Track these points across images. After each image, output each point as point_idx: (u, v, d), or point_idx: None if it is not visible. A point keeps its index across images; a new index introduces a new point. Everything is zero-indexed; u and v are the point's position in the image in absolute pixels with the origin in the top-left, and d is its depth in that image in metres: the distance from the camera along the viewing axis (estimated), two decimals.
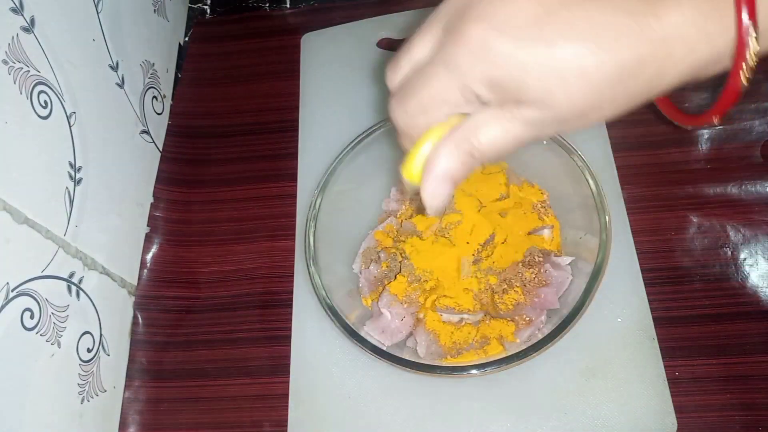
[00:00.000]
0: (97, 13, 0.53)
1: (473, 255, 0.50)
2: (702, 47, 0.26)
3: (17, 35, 0.42)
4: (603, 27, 0.26)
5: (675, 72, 0.27)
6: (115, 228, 0.54)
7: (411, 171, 0.33)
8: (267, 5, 0.74)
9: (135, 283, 0.58)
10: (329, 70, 0.66)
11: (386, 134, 0.55)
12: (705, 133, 0.57)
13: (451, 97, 0.29)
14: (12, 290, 0.40)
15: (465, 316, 0.48)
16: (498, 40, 0.27)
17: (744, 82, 0.28)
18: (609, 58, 0.26)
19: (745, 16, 0.25)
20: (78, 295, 0.48)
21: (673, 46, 0.26)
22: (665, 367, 0.47)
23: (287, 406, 0.50)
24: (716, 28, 0.26)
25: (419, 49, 0.32)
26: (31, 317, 0.42)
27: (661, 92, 0.28)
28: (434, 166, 0.32)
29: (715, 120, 0.32)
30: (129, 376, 0.55)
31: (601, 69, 0.26)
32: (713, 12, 0.25)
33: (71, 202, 0.48)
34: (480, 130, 0.30)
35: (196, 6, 0.75)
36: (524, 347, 0.44)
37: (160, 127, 0.65)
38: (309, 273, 0.50)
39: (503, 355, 0.44)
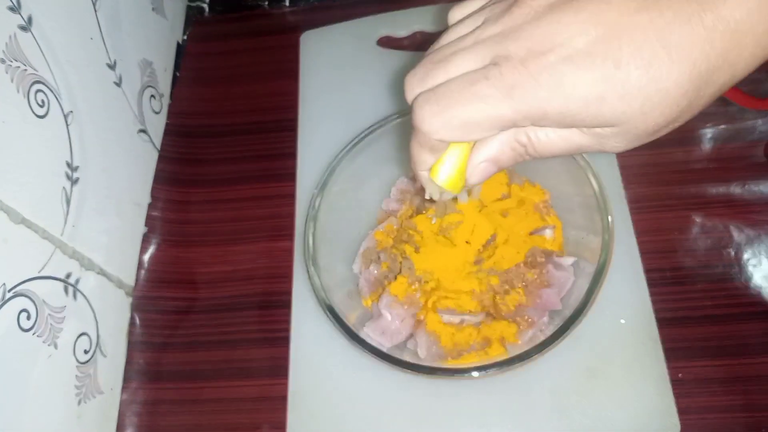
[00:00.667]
0: (95, 12, 0.53)
1: (474, 255, 0.50)
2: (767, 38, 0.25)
3: (15, 34, 0.42)
4: (672, 41, 0.25)
5: (744, 66, 0.26)
6: (112, 228, 0.54)
7: (437, 173, 0.32)
8: (266, 4, 0.74)
9: (132, 283, 0.57)
10: (329, 69, 0.66)
11: (386, 134, 0.54)
12: (708, 133, 0.57)
13: (503, 120, 0.28)
14: (8, 291, 0.40)
15: (466, 317, 0.48)
16: (569, 71, 0.26)
17: None
18: (684, 72, 0.25)
19: None
20: (75, 295, 0.48)
21: (742, 42, 0.25)
22: (668, 368, 0.46)
23: (286, 407, 0.50)
24: None
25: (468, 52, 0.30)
26: (28, 318, 0.42)
27: (732, 85, 0.27)
28: (486, 147, 0.31)
29: None
30: (126, 378, 0.54)
31: (678, 84, 0.25)
32: None
33: (68, 201, 0.47)
34: (544, 131, 0.29)
35: (194, 4, 0.75)
36: (526, 348, 0.44)
37: (158, 126, 0.65)
38: (308, 273, 0.49)
39: (505, 356, 0.44)
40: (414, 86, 0.31)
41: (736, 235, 0.52)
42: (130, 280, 0.57)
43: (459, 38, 0.31)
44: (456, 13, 0.33)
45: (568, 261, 0.49)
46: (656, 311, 0.48)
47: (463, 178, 0.33)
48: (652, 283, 0.50)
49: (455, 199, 0.44)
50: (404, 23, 0.67)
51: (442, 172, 0.32)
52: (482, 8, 0.31)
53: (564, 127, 0.28)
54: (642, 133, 0.27)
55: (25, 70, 0.43)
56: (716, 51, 0.25)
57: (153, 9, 0.65)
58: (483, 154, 0.31)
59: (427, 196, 0.36)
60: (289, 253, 0.57)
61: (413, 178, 0.56)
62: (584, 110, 0.26)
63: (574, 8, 0.26)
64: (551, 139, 0.30)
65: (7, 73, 0.41)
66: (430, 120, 0.30)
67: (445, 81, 0.29)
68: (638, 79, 0.25)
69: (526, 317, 0.47)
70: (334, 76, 0.65)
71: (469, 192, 0.40)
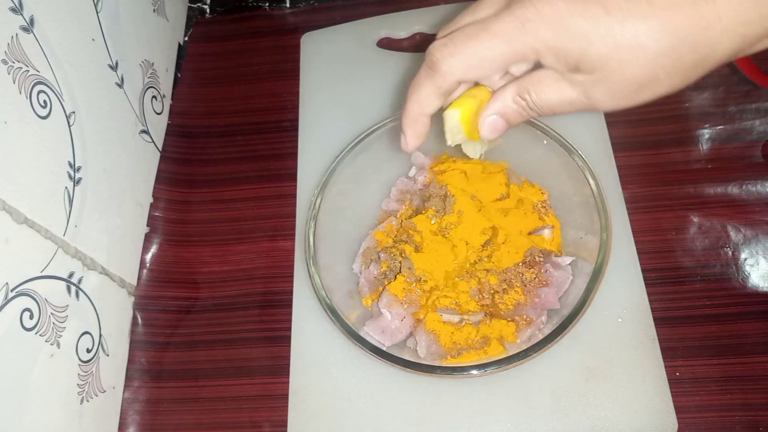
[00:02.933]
0: (97, 13, 0.53)
1: (474, 255, 0.50)
2: (753, 23, 0.27)
3: (17, 35, 0.42)
4: (659, 2, 0.27)
5: (727, 46, 0.28)
6: (114, 228, 0.54)
7: (467, 119, 0.36)
8: (267, 5, 0.74)
9: (134, 283, 0.58)
10: (329, 69, 0.66)
11: (386, 134, 0.55)
12: (706, 133, 0.57)
13: (514, 54, 0.31)
14: (11, 290, 0.40)
15: (465, 316, 0.48)
16: (567, 10, 0.28)
17: None
18: (664, 30, 0.27)
19: None
20: (77, 295, 0.48)
21: (725, 22, 0.27)
22: (666, 367, 0.47)
23: (287, 406, 0.50)
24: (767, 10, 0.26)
25: (485, 11, 0.33)
26: (31, 317, 0.42)
27: (713, 67, 0.29)
28: (495, 102, 0.34)
29: None
30: (128, 377, 0.54)
31: (657, 41, 0.27)
32: None
33: (71, 202, 0.47)
34: (539, 85, 0.32)
35: (195, 5, 0.75)
36: (525, 347, 0.44)
37: (159, 126, 0.65)
38: (309, 273, 0.50)
39: (504, 355, 0.44)
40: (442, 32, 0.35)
41: (734, 235, 0.53)
42: (132, 279, 0.57)
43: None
44: None
45: (566, 260, 0.49)
46: (654, 310, 0.49)
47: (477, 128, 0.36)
48: (649, 283, 0.50)
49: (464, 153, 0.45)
50: (404, 24, 0.68)
51: (458, 116, 0.35)
52: None
53: (560, 67, 0.31)
54: (622, 84, 0.30)
55: (27, 71, 0.43)
56: (699, 19, 0.27)
57: (154, 10, 0.66)
58: (492, 109, 0.35)
59: (449, 143, 0.38)
60: (289, 252, 0.57)
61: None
62: (575, 48, 0.29)
63: None
64: (549, 95, 0.32)
65: (9, 74, 0.41)
66: (449, 60, 0.32)
67: (463, 25, 0.32)
68: (622, 27, 0.28)
69: (525, 316, 0.48)
70: (335, 77, 0.66)
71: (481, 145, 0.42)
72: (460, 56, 0.32)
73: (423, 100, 0.35)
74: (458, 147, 0.41)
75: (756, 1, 0.26)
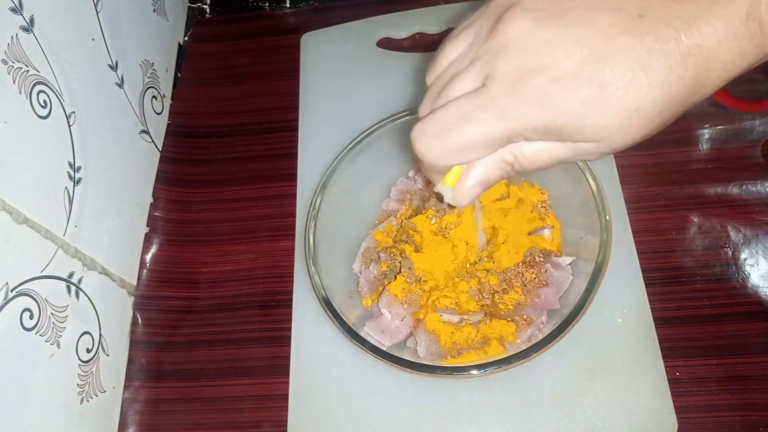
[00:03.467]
0: (97, 13, 0.53)
1: (474, 255, 0.50)
2: (736, 62, 0.27)
3: (16, 35, 0.42)
4: (651, 63, 0.27)
5: (712, 87, 0.28)
6: (114, 228, 0.54)
7: (447, 187, 0.34)
8: (267, 5, 0.74)
9: (134, 283, 0.58)
10: (329, 70, 0.66)
11: (386, 134, 0.55)
12: (706, 133, 0.57)
13: (497, 141, 0.30)
14: (11, 290, 0.40)
15: (465, 316, 0.48)
16: (556, 92, 0.27)
17: None
18: (660, 92, 0.27)
19: None
20: (77, 295, 0.48)
21: (712, 67, 0.27)
22: (666, 367, 0.47)
23: (287, 406, 0.50)
24: (747, 45, 0.27)
25: (460, 77, 0.31)
26: (31, 317, 0.42)
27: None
28: (475, 170, 0.32)
29: None
30: (128, 377, 0.54)
31: (654, 103, 0.27)
32: (743, 29, 0.27)
33: (70, 202, 0.47)
34: (529, 150, 0.31)
35: (195, 5, 0.75)
36: (525, 347, 0.44)
37: (159, 126, 0.65)
38: (309, 273, 0.50)
39: (504, 355, 0.44)
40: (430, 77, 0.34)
41: (734, 235, 0.53)
42: (132, 279, 0.57)
43: (453, 62, 0.33)
44: (447, 47, 0.34)
45: (566, 260, 0.49)
46: (654, 310, 0.49)
47: None
48: (649, 283, 0.50)
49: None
50: (404, 25, 0.68)
51: (447, 180, 0.34)
52: (468, 26, 0.33)
53: (551, 140, 0.30)
54: (619, 146, 0.29)
55: (27, 71, 0.43)
56: (689, 74, 0.27)
57: (154, 10, 0.66)
58: (472, 178, 0.33)
59: (447, 201, 0.37)
60: (289, 252, 0.57)
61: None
62: (570, 126, 0.28)
63: (561, 29, 0.28)
64: (535, 154, 0.31)
65: (9, 74, 0.41)
66: (430, 151, 0.31)
67: (440, 107, 0.31)
68: (618, 99, 0.27)
69: (525, 316, 0.48)
70: (335, 77, 0.66)
71: None
72: (441, 149, 0.31)
73: (430, 178, 0.35)
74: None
75: (739, 50, 0.27)
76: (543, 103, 0.28)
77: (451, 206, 0.37)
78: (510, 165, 0.32)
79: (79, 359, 0.48)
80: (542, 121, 0.28)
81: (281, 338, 0.53)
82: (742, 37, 0.26)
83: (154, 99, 0.64)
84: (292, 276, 0.56)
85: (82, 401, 0.48)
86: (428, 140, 0.31)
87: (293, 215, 0.59)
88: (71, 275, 0.47)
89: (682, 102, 0.28)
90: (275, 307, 0.56)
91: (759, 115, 0.56)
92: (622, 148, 0.30)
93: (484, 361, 0.45)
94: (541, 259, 0.49)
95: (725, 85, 0.29)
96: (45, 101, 0.45)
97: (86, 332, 0.49)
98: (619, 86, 0.27)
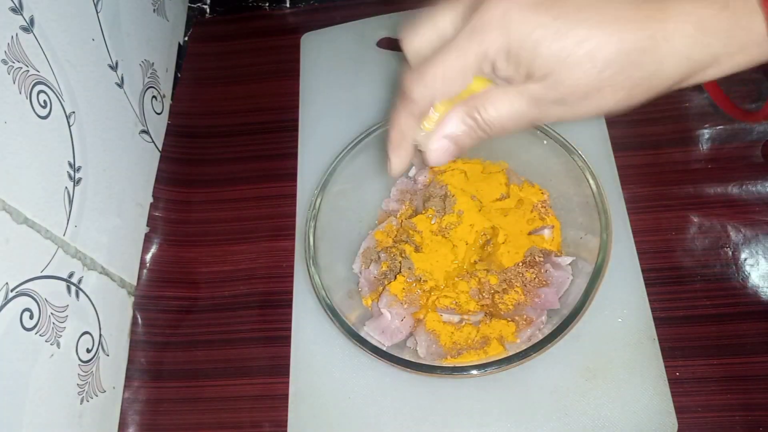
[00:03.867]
0: (97, 13, 0.53)
1: (474, 255, 0.50)
2: (698, 42, 0.28)
3: (16, 35, 0.42)
4: (609, 15, 0.28)
5: (673, 68, 0.29)
6: (114, 228, 0.54)
7: (427, 126, 0.35)
8: (267, 5, 0.74)
9: (134, 283, 0.58)
10: (329, 69, 0.66)
11: (386, 134, 0.54)
12: (705, 133, 0.57)
13: (470, 67, 0.31)
14: (11, 290, 0.40)
15: (465, 316, 0.48)
16: (517, 17, 0.29)
17: None
18: (611, 41, 0.28)
19: None
20: (77, 295, 0.48)
21: (672, 37, 0.28)
22: (666, 367, 0.47)
23: (287, 406, 0.50)
24: (713, 25, 0.28)
25: (443, 18, 0.33)
26: (31, 317, 0.42)
27: (659, 89, 0.30)
28: (443, 126, 0.34)
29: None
30: (128, 377, 0.54)
31: (603, 50, 0.28)
32: (709, 10, 0.27)
33: (71, 202, 0.47)
34: (488, 102, 0.32)
35: (195, 6, 0.75)
36: (525, 347, 0.44)
37: (159, 126, 0.65)
38: (309, 273, 0.50)
39: (504, 355, 0.44)
40: (409, 45, 0.36)
41: (734, 235, 0.53)
42: (132, 279, 0.57)
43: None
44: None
45: (566, 260, 0.49)
46: (654, 310, 0.49)
47: None
48: (649, 283, 0.50)
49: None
50: (404, 24, 0.67)
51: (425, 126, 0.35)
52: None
53: (512, 69, 0.31)
54: (570, 93, 0.30)
55: (27, 71, 0.43)
56: (647, 35, 0.28)
57: (154, 10, 0.66)
58: (439, 133, 0.34)
59: (421, 149, 0.38)
60: (289, 252, 0.57)
61: (417, 176, 0.56)
62: (526, 50, 0.29)
63: None
64: (498, 110, 0.32)
65: (9, 74, 0.41)
66: (417, 87, 0.33)
67: (432, 39, 0.33)
68: (571, 35, 0.28)
69: (525, 316, 0.48)
70: (335, 77, 0.66)
71: None
72: (424, 81, 0.33)
73: (403, 127, 0.36)
74: None
75: (702, 29, 0.28)
76: (505, 25, 0.29)
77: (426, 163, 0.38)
78: (474, 121, 0.33)
79: (79, 359, 0.48)
80: (502, 39, 0.30)
81: (281, 338, 0.53)
82: (706, 16, 0.27)
83: (154, 99, 0.64)
84: (292, 276, 0.56)
85: (82, 401, 0.48)
86: (414, 75, 0.33)
87: (293, 215, 0.59)
88: (71, 275, 0.47)
89: (637, 65, 0.28)
90: (275, 307, 0.56)
91: (756, 124, 0.56)
92: (571, 96, 0.30)
93: (484, 361, 0.45)
94: (541, 259, 0.49)
95: (726, 91, 0.29)
96: (45, 101, 0.45)
97: (86, 332, 0.49)
98: (574, 22, 0.28)
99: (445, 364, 0.46)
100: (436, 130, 0.35)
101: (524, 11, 0.29)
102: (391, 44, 0.67)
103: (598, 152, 0.55)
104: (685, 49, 0.28)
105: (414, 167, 0.58)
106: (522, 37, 0.29)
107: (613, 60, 0.28)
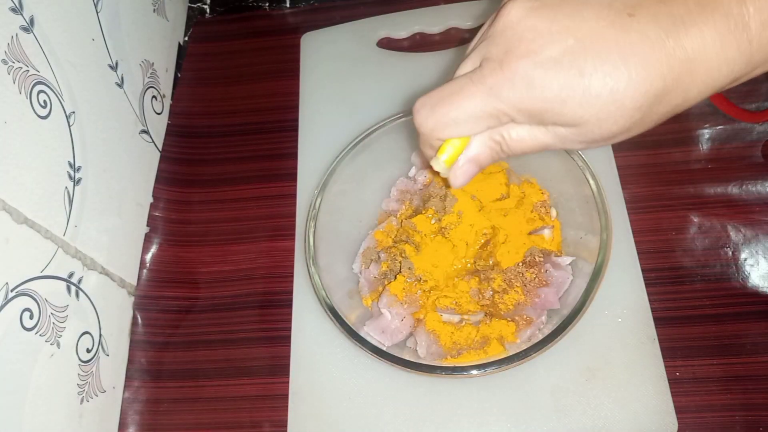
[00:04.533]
0: (97, 13, 0.53)
1: (473, 255, 0.50)
2: (722, 70, 0.28)
3: (17, 35, 0.42)
4: (633, 59, 0.27)
5: (697, 92, 0.29)
6: (114, 228, 0.54)
7: (440, 160, 0.36)
8: (267, 5, 0.74)
9: (134, 283, 0.58)
10: (329, 69, 0.66)
11: (386, 134, 0.55)
12: (706, 133, 0.57)
13: (485, 116, 0.32)
14: (11, 290, 0.40)
15: (465, 316, 0.48)
16: (539, 75, 0.29)
17: None
18: (640, 88, 0.28)
19: None
20: (77, 295, 0.48)
21: (696, 70, 0.28)
22: (666, 367, 0.47)
23: (287, 406, 0.50)
24: (734, 54, 0.27)
25: (468, 67, 0.34)
26: (31, 317, 0.42)
27: (683, 110, 0.30)
28: (467, 149, 0.35)
29: None
30: (128, 377, 0.54)
31: (633, 99, 0.28)
32: (731, 37, 0.27)
33: (71, 201, 0.47)
34: (515, 131, 0.33)
35: (195, 5, 0.75)
36: (525, 347, 0.44)
37: (159, 126, 0.65)
38: (309, 273, 0.50)
39: (504, 355, 0.44)
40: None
41: (734, 235, 0.53)
42: (132, 279, 0.57)
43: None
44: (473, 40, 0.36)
45: (566, 260, 0.49)
46: (654, 310, 0.49)
47: None
48: (649, 283, 0.50)
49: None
50: (404, 24, 0.68)
51: (442, 159, 0.35)
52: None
53: (535, 123, 0.31)
54: (597, 137, 0.30)
55: (27, 71, 0.43)
56: (672, 74, 0.27)
57: (154, 10, 0.66)
58: (464, 156, 0.35)
59: (441, 175, 0.38)
60: (289, 252, 0.57)
61: (418, 174, 0.56)
62: (549, 111, 0.30)
63: (551, 18, 0.29)
64: (522, 137, 0.33)
65: (9, 74, 0.41)
66: (425, 121, 0.34)
67: (440, 87, 0.33)
68: (597, 89, 0.28)
69: (525, 316, 0.48)
70: (335, 77, 0.66)
71: None
72: (434, 120, 0.33)
73: (424, 155, 0.37)
74: None
75: (726, 59, 0.27)
76: (526, 85, 0.29)
77: (446, 183, 0.39)
78: (498, 145, 0.34)
79: (79, 359, 0.48)
80: (524, 102, 0.30)
81: (281, 338, 0.53)
82: (729, 45, 0.27)
83: (154, 99, 0.64)
84: (292, 276, 0.56)
85: (82, 401, 0.48)
86: (424, 111, 0.34)
87: (293, 215, 0.59)
88: (71, 275, 0.47)
89: (664, 102, 0.28)
90: (275, 307, 0.56)
91: (759, 124, 0.56)
92: (601, 140, 0.31)
93: (484, 361, 0.45)
94: (541, 259, 0.49)
95: (726, 93, 0.29)
96: (45, 101, 0.45)
97: (86, 332, 0.49)
98: (599, 77, 0.28)
99: (445, 364, 0.46)
100: (461, 155, 0.35)
101: (547, 70, 0.29)
102: (392, 44, 0.68)
103: (598, 152, 0.55)
104: (709, 80, 0.28)
105: (414, 167, 0.58)
106: (546, 96, 0.29)
107: (641, 105, 0.28)
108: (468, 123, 0.32)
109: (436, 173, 0.37)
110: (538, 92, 0.29)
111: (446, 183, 0.51)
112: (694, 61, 0.27)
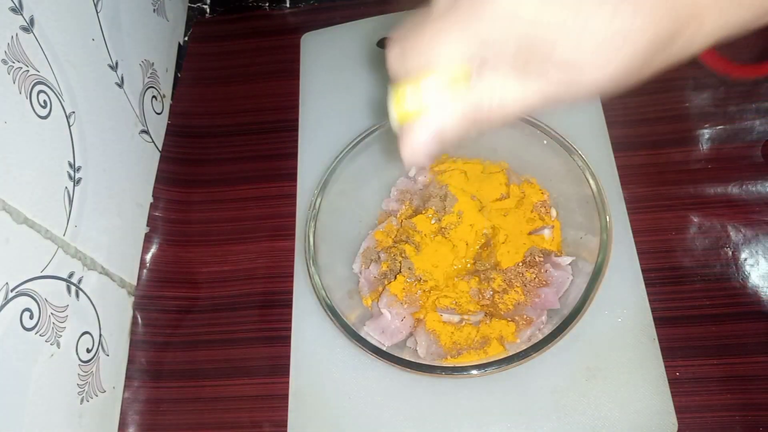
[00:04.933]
0: (97, 13, 0.53)
1: (473, 255, 0.50)
2: (733, 13, 0.26)
3: (17, 35, 0.42)
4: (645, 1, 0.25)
5: (702, 40, 0.26)
6: (114, 228, 0.54)
7: (401, 106, 0.29)
8: (267, 5, 0.74)
9: (134, 283, 0.58)
10: (329, 69, 0.66)
11: (386, 134, 0.55)
12: (706, 133, 0.57)
13: (466, 47, 0.27)
14: (11, 290, 0.40)
15: (465, 316, 0.48)
16: (530, 3, 0.25)
17: None
18: (644, 30, 0.25)
19: None
20: (77, 295, 0.48)
21: (706, 12, 0.25)
22: (666, 367, 0.47)
23: (287, 406, 0.50)
24: (748, 13, 0.25)
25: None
26: (31, 317, 0.42)
27: (691, 56, 0.27)
28: (431, 114, 0.29)
29: None
30: (128, 377, 0.54)
31: (635, 41, 0.25)
32: None
33: (71, 202, 0.47)
34: (495, 83, 0.28)
35: (195, 5, 0.75)
36: (525, 347, 0.44)
37: (159, 126, 0.65)
38: (309, 273, 0.50)
39: (503, 355, 0.44)
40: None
41: (734, 235, 0.53)
42: (132, 279, 0.57)
43: None
44: None
45: (566, 260, 0.49)
46: (654, 310, 0.49)
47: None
48: (649, 283, 0.50)
49: None
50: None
51: (399, 101, 0.30)
52: None
53: (519, 68, 0.27)
54: (587, 83, 0.27)
55: (27, 71, 0.43)
56: (680, 17, 0.25)
57: (154, 10, 0.66)
58: (427, 124, 0.29)
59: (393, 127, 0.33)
60: (289, 252, 0.57)
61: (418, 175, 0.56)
62: (540, 43, 0.26)
63: None
64: (503, 97, 0.28)
65: (9, 73, 0.41)
66: (398, 66, 0.30)
67: (413, 22, 0.29)
68: (597, 24, 0.25)
69: (525, 316, 0.48)
70: (335, 77, 0.66)
71: None
72: (407, 62, 0.29)
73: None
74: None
75: (738, 4, 0.25)
76: (511, 14, 0.26)
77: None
78: (474, 107, 0.29)
79: (79, 359, 0.48)
80: (510, 33, 0.26)
81: (281, 338, 0.53)
82: None
83: (154, 99, 0.64)
84: (292, 276, 0.56)
85: (82, 401, 0.48)
86: (394, 53, 0.30)
87: (293, 215, 0.59)
88: (71, 275, 0.47)
89: (666, 50, 0.26)
90: (275, 307, 0.56)
91: (762, 114, 0.56)
92: (590, 87, 0.27)
93: (484, 361, 0.45)
94: (541, 259, 0.49)
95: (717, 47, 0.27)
96: (45, 101, 0.45)
97: (86, 332, 0.49)
98: (597, 10, 0.25)
99: (445, 364, 0.46)
100: (420, 123, 0.29)
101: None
102: None
103: (598, 152, 0.55)
104: (717, 30, 0.26)
105: (414, 167, 0.58)
106: (538, 25, 0.25)
107: (644, 49, 0.25)
108: (449, 52, 0.28)
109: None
110: (526, 22, 0.25)
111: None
112: (703, 5, 0.25)
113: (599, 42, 0.25)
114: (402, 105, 0.29)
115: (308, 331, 0.52)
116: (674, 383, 0.47)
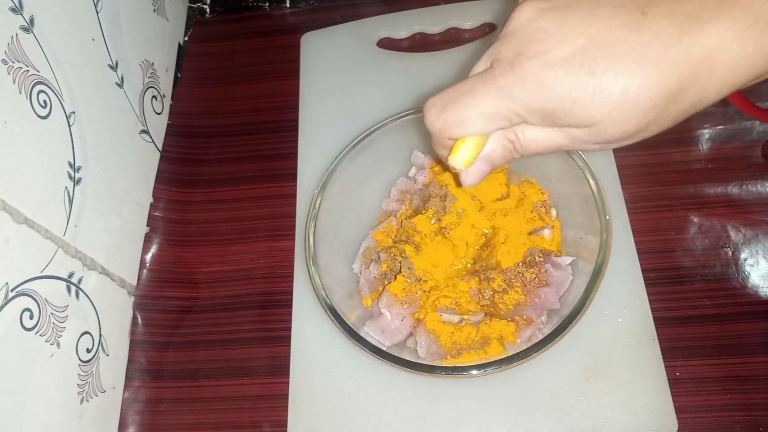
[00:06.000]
0: (97, 13, 0.53)
1: (473, 255, 0.50)
2: (741, 67, 0.27)
3: (16, 35, 0.42)
4: (646, 57, 0.27)
5: (715, 90, 0.28)
6: (114, 228, 0.54)
7: (455, 158, 0.35)
8: (267, 5, 0.74)
9: (134, 283, 0.58)
10: (329, 69, 0.66)
11: (386, 134, 0.55)
12: (706, 133, 0.57)
13: (496, 117, 0.31)
14: (11, 290, 0.40)
15: (465, 316, 0.48)
16: (549, 76, 0.28)
17: None
18: (654, 86, 0.27)
19: None
20: (77, 295, 0.48)
21: (714, 68, 0.27)
22: (666, 367, 0.47)
23: (287, 406, 0.50)
24: (755, 50, 0.26)
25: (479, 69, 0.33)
26: (31, 317, 0.42)
27: (702, 108, 0.29)
28: (480, 159, 0.34)
29: None
30: (128, 377, 0.54)
31: (647, 97, 0.27)
32: (750, 34, 0.26)
33: (70, 201, 0.47)
34: (528, 131, 0.32)
35: (195, 5, 0.75)
36: (525, 347, 0.44)
37: (159, 126, 0.65)
38: (309, 273, 0.50)
39: (503, 355, 0.44)
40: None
41: (734, 235, 0.53)
42: (132, 279, 0.57)
43: None
44: None
45: (566, 260, 0.49)
46: (654, 310, 0.49)
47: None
48: (649, 283, 0.50)
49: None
50: (404, 24, 0.68)
51: (459, 159, 0.34)
52: None
53: (547, 124, 0.31)
54: (611, 137, 0.30)
55: (27, 71, 0.43)
56: (688, 72, 0.27)
57: (154, 10, 0.66)
58: (480, 155, 0.34)
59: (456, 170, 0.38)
60: (289, 252, 0.57)
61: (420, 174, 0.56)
62: (560, 111, 0.29)
63: (562, 19, 0.29)
64: (535, 138, 0.33)
65: (9, 74, 0.41)
66: (434, 121, 0.33)
67: (451, 86, 0.33)
68: (609, 88, 0.27)
69: (525, 316, 0.48)
70: (335, 77, 0.66)
71: None
72: (444, 119, 0.33)
73: (438, 154, 0.37)
74: None
75: (746, 55, 0.26)
76: (536, 85, 0.29)
77: (457, 182, 0.38)
78: (512, 144, 0.33)
79: (79, 359, 0.48)
80: (535, 103, 0.29)
81: (281, 338, 0.53)
82: (749, 41, 0.26)
83: (154, 99, 0.64)
84: (292, 276, 0.56)
85: (82, 401, 0.48)
86: (434, 111, 0.33)
87: (293, 215, 0.59)
88: (71, 275, 0.47)
89: (680, 100, 0.28)
90: (275, 307, 0.56)
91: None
92: (615, 140, 0.30)
93: (484, 361, 0.45)
94: (541, 259, 0.49)
95: (744, 91, 0.28)
96: (45, 101, 0.45)
97: (86, 332, 0.49)
98: (610, 75, 0.27)
99: (445, 364, 0.46)
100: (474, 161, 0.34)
101: (557, 70, 0.28)
102: (392, 44, 0.67)
103: (598, 152, 0.55)
104: (728, 78, 0.27)
105: (414, 167, 0.58)
106: (557, 95, 0.29)
107: (656, 103, 0.28)
108: (478, 122, 0.32)
109: (446, 170, 0.36)
110: (548, 92, 0.29)
111: (457, 181, 0.50)
112: (711, 59, 0.27)
113: (613, 102, 0.28)
114: (459, 153, 0.34)
115: (308, 331, 0.52)
116: (674, 383, 0.47)
